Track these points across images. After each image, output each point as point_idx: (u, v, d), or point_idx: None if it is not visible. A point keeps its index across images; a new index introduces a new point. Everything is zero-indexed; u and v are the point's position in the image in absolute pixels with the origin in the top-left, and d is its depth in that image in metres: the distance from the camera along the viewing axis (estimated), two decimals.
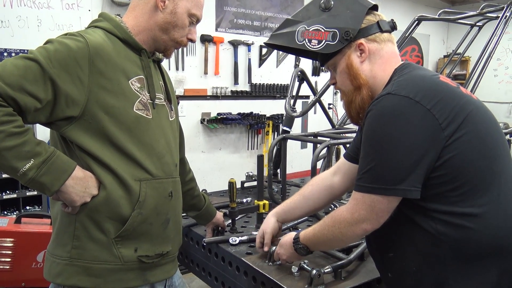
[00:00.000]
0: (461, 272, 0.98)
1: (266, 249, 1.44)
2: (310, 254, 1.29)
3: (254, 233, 1.69)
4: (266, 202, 1.78)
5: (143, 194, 1.13)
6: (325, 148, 1.86)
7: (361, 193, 1.02)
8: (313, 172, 1.84)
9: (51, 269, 1.11)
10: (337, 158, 2.20)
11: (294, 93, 2.33)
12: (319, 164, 1.93)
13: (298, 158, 4.90)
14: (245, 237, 1.61)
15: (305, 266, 1.34)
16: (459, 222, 0.96)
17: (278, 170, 2.45)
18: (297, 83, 2.32)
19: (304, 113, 2.26)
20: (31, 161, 0.97)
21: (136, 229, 1.12)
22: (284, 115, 2.53)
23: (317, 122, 4.91)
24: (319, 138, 2.21)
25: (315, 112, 5.07)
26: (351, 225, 1.05)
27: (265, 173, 1.99)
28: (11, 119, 0.96)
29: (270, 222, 1.46)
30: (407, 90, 0.98)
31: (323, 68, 1.39)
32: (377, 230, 1.04)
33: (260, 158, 1.74)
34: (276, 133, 4.76)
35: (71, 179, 1.04)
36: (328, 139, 2.09)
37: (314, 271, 1.24)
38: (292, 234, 1.31)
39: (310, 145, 4.84)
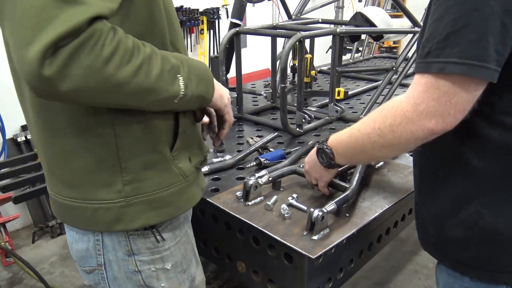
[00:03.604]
0: None
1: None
2: (334, 168, 0.98)
3: (215, 160, 1.30)
4: None
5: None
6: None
7: (432, 75, 0.66)
8: (284, 73, 1.43)
9: (99, 217, 0.82)
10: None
11: None
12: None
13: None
14: (205, 168, 1.23)
15: (297, 204, 1.01)
16: None
17: None
18: None
19: None
20: (180, 78, 0.76)
21: (186, 132, 0.88)
22: (233, 3, 1.99)
23: (255, 16, 4.36)
24: (279, 30, 1.78)
25: (253, 5, 4.48)
26: (411, 122, 0.70)
27: None
28: (121, 41, 0.64)
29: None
30: None
31: None
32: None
33: (215, 60, 1.29)
34: (211, 31, 4.15)
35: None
36: (292, 31, 1.65)
37: (315, 213, 0.90)
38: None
39: (253, 41, 4.35)
